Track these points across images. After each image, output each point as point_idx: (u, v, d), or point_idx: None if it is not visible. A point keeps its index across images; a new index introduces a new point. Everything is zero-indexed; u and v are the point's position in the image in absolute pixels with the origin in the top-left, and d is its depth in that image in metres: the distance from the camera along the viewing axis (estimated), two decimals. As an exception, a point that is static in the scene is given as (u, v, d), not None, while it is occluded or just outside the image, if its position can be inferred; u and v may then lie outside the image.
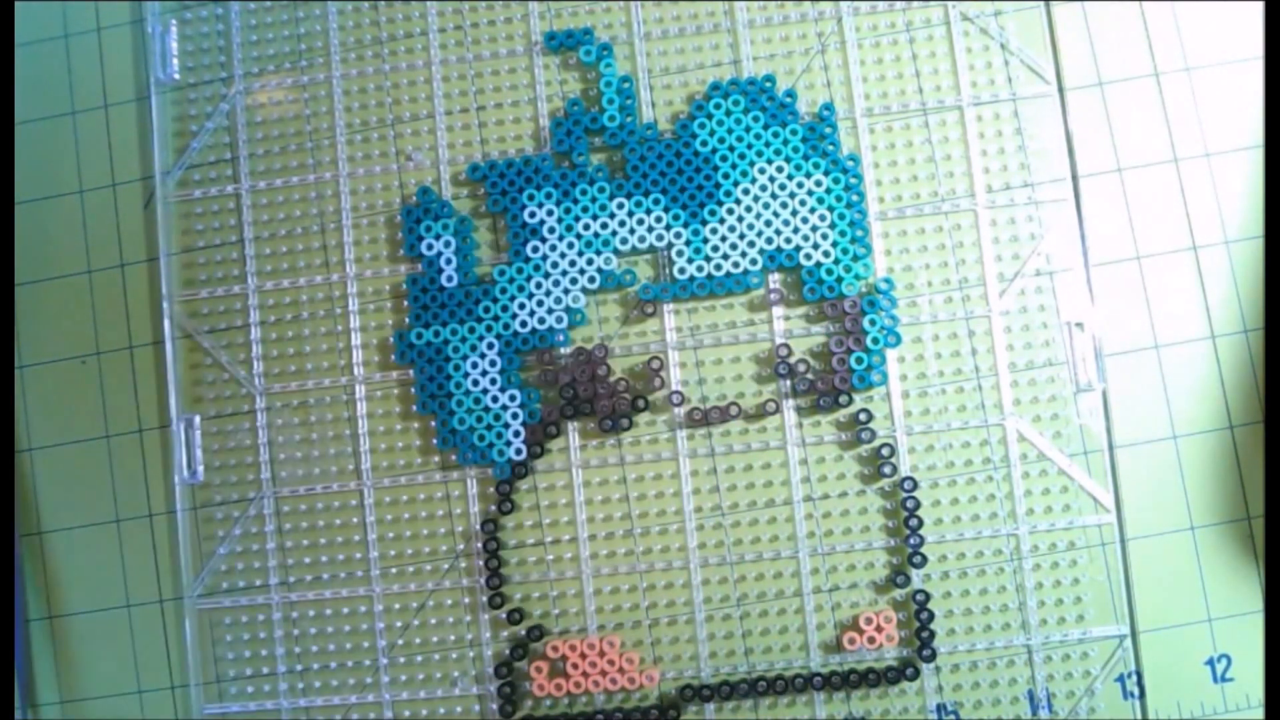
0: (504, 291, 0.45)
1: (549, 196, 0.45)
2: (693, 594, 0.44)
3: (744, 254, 0.44)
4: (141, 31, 0.48)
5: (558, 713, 0.43)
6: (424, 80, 0.47)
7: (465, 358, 0.44)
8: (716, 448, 0.44)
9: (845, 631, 0.43)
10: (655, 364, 0.44)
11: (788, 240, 0.44)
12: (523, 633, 0.44)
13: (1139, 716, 0.42)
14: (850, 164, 0.44)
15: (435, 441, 0.44)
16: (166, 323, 0.46)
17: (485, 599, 0.44)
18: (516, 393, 0.44)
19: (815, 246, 0.44)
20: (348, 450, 0.45)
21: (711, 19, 0.46)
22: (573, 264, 0.44)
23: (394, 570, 0.45)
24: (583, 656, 0.43)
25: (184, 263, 0.46)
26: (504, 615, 0.44)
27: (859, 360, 0.43)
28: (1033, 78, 0.45)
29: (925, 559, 0.43)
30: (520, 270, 0.45)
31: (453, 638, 0.44)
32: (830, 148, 0.44)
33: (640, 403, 0.44)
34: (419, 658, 0.44)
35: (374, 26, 0.47)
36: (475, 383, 0.44)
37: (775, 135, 0.44)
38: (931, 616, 0.42)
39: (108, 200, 0.47)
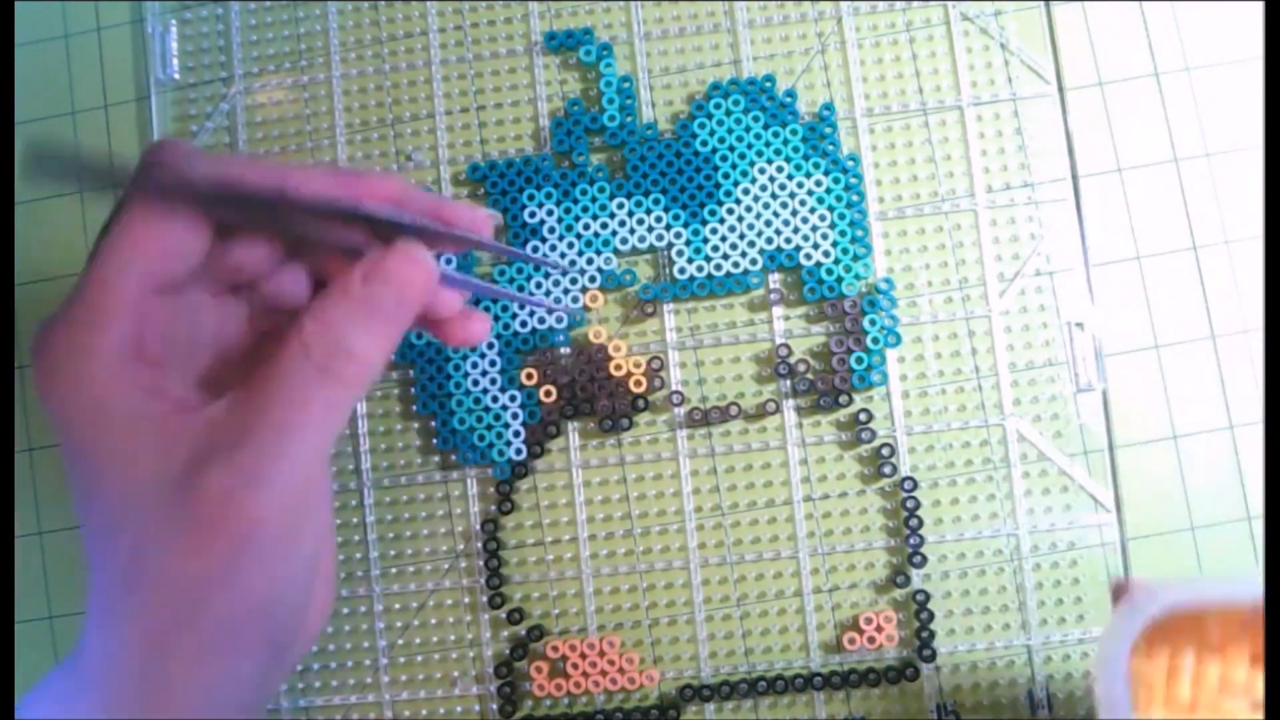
0: (504, 291, 0.45)
1: (549, 196, 0.45)
2: (693, 594, 0.44)
3: (744, 254, 0.44)
4: (141, 31, 0.48)
5: (558, 713, 0.43)
6: (424, 80, 0.47)
7: (465, 358, 0.44)
8: (716, 448, 0.44)
9: (845, 631, 0.43)
10: (655, 364, 0.44)
11: (788, 240, 0.44)
12: (523, 633, 0.44)
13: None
14: (850, 164, 0.44)
15: (435, 441, 0.44)
16: (166, 323, 0.46)
17: (485, 599, 0.44)
18: (517, 393, 0.44)
19: (815, 246, 0.44)
20: (347, 450, 0.45)
21: (711, 19, 0.46)
22: (573, 264, 0.44)
23: (394, 570, 0.45)
24: (583, 656, 0.43)
25: (184, 263, 0.46)
26: (504, 615, 0.44)
27: (859, 360, 0.43)
28: (1033, 78, 0.45)
29: (925, 559, 0.43)
30: (520, 270, 0.45)
31: (453, 638, 0.44)
32: (830, 148, 0.44)
33: (640, 403, 0.44)
34: (419, 658, 0.44)
35: (374, 26, 0.47)
36: (475, 383, 0.44)
37: (775, 135, 0.44)
38: (931, 616, 0.42)
39: (108, 200, 0.47)
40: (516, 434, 0.44)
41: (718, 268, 0.44)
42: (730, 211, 0.44)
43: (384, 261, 0.31)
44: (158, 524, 0.28)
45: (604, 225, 0.45)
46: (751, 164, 0.44)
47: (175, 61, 0.47)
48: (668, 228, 0.44)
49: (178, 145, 0.30)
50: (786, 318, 0.44)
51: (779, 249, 0.44)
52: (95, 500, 0.29)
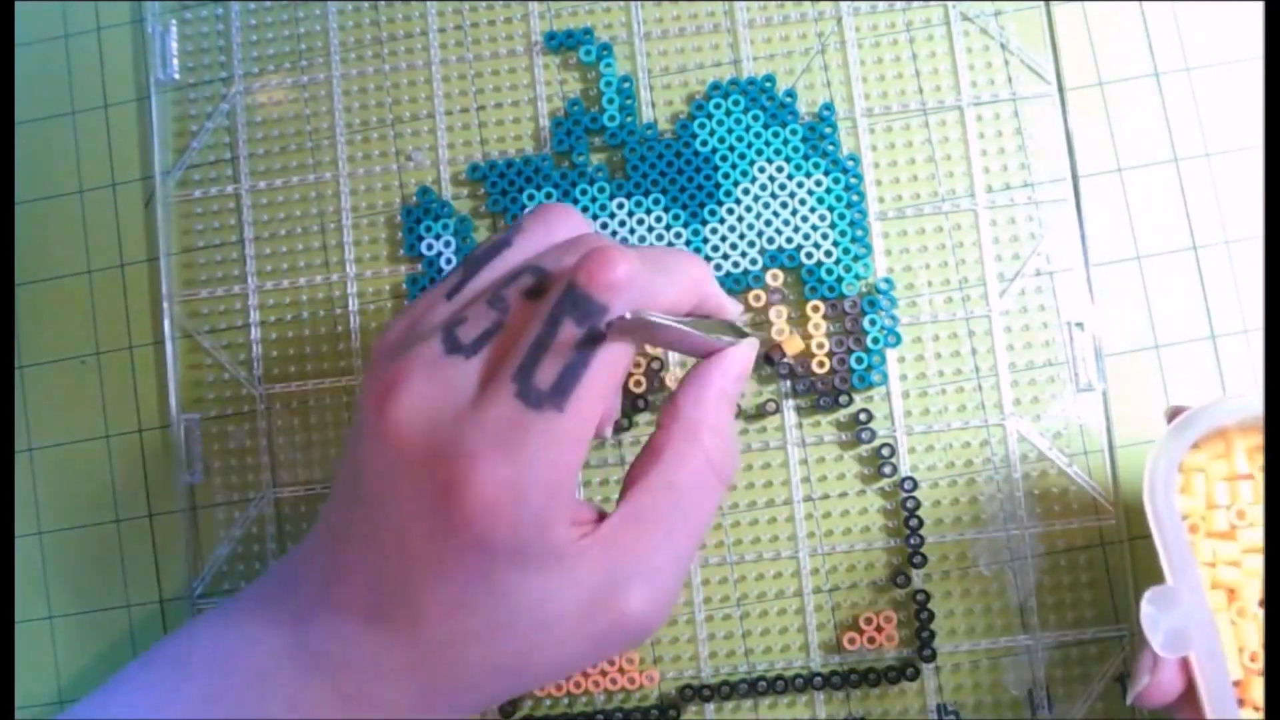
0: (504, 291, 0.44)
1: (549, 196, 0.45)
2: (693, 594, 0.44)
3: (744, 254, 0.44)
4: (141, 31, 0.48)
5: (558, 713, 0.43)
6: (424, 80, 0.47)
7: (465, 358, 0.44)
8: (716, 448, 0.44)
9: (845, 631, 0.43)
10: (655, 364, 0.44)
11: (788, 240, 0.44)
12: (523, 633, 0.44)
13: (1139, 716, 0.42)
14: (850, 164, 0.44)
15: (435, 441, 0.44)
16: (166, 323, 0.46)
17: (485, 599, 0.44)
18: (516, 393, 0.44)
19: (816, 246, 0.44)
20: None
21: (711, 19, 0.46)
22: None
23: (394, 570, 0.44)
24: (583, 656, 0.43)
25: (184, 263, 0.46)
26: (504, 615, 0.44)
27: (859, 360, 0.43)
28: (1033, 78, 0.45)
29: (925, 559, 0.43)
30: (520, 270, 0.45)
31: (453, 638, 0.44)
32: (830, 148, 0.44)
33: (640, 403, 0.44)
34: (419, 658, 0.44)
35: (374, 26, 0.47)
36: (475, 383, 0.44)
37: (775, 135, 0.44)
38: (931, 616, 0.42)
39: (108, 200, 0.47)
40: (516, 434, 0.44)
41: (717, 268, 0.44)
42: (730, 211, 0.44)
43: (742, 360, 0.33)
44: (582, 650, 0.31)
45: (604, 225, 0.45)
46: (751, 164, 0.44)
47: (175, 61, 0.47)
48: (668, 228, 0.44)
49: (607, 258, 0.30)
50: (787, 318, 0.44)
51: (779, 249, 0.44)
52: (509, 629, 0.30)
